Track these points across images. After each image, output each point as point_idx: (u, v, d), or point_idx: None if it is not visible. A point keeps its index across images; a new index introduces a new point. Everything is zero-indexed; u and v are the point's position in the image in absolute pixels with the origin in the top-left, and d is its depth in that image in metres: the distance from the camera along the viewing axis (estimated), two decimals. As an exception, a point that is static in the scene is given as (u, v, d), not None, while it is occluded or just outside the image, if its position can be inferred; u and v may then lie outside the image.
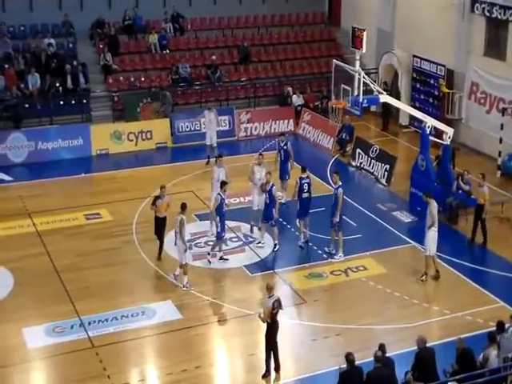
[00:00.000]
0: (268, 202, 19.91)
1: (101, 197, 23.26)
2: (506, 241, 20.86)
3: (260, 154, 21.83)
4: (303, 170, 20.49)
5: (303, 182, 20.21)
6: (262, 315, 14.77)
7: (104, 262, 19.50)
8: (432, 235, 18.59)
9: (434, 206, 18.57)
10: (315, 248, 20.24)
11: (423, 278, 18.72)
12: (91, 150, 27.10)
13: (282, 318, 16.91)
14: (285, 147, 22.81)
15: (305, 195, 20.23)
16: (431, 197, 18.74)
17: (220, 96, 30.76)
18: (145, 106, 29.02)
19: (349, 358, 12.82)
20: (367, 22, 27.20)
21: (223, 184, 19.51)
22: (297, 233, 20.94)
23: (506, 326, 13.90)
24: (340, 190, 19.64)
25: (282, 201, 22.33)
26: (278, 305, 14.88)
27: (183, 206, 18.24)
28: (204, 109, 27.27)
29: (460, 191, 21.61)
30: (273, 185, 19.97)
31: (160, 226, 19.63)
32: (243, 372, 15.58)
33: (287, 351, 16.15)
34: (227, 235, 20.59)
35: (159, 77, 30.77)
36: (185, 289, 18.12)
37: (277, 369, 15.16)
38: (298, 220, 20.71)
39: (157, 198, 19.69)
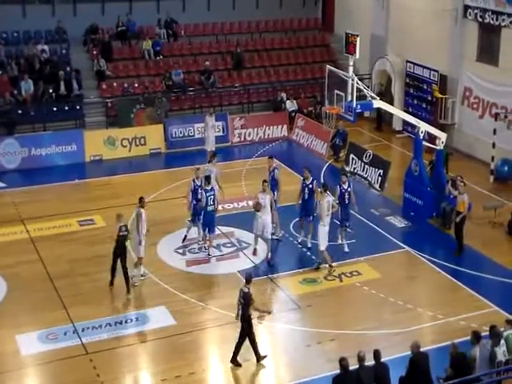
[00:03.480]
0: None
1: (94, 203, 23.22)
2: (499, 246, 20.90)
3: (264, 181, 20.24)
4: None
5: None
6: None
7: (97, 268, 19.43)
8: (321, 230, 19.06)
9: (325, 202, 18.99)
10: (309, 254, 20.24)
11: (331, 271, 19.09)
12: (85, 156, 27.06)
13: (276, 323, 17.04)
14: (348, 189, 20.38)
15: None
16: (325, 191, 19.36)
17: (214, 102, 30.78)
18: (139, 111, 29.02)
19: (342, 363, 12.82)
20: (360, 28, 27.23)
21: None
22: (290, 238, 21.01)
23: (501, 329, 13.94)
24: (276, 171, 21.07)
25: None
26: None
27: (140, 199, 18.56)
28: (201, 115, 27.18)
29: (452, 196, 21.65)
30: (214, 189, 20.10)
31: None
32: (237, 378, 15.52)
33: (281, 356, 16.17)
34: (221, 241, 20.73)
35: (153, 83, 30.77)
36: (142, 278, 18.64)
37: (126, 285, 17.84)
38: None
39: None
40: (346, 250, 20.33)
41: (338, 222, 20.44)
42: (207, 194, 19.73)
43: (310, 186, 20.34)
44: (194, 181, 20.42)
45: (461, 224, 20.33)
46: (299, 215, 20.72)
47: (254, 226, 19.81)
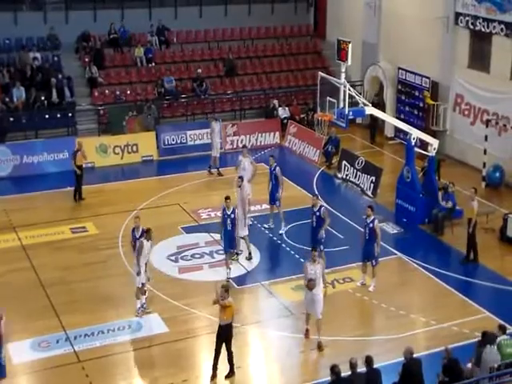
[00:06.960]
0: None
1: (87, 210, 23.18)
2: (491, 251, 20.95)
3: (314, 249, 16.96)
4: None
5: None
6: None
7: (90, 275, 19.41)
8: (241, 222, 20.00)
9: (244, 195, 20.13)
10: (302, 260, 20.19)
11: (234, 257, 19.85)
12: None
13: (269, 330, 17.02)
14: (371, 225, 18.45)
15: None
16: (239, 186, 20.27)
17: (206, 109, 30.80)
18: (131, 119, 29.01)
19: (333, 370, 12.81)
20: (352, 35, 27.31)
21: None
22: (283, 245, 21.02)
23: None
24: (278, 168, 21.52)
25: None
26: None
27: (147, 230, 17.34)
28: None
29: (443, 202, 21.71)
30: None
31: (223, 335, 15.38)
32: (230, 385, 15.53)
33: (274, 363, 16.16)
34: (214, 248, 20.78)
35: (145, 90, 30.79)
36: (142, 309, 17.54)
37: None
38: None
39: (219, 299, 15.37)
40: (371, 289, 18.76)
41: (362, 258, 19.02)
42: (226, 217, 18.89)
43: (318, 213, 18.95)
44: (133, 231, 18.09)
45: (473, 231, 20.21)
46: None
47: (304, 304, 17.08)
